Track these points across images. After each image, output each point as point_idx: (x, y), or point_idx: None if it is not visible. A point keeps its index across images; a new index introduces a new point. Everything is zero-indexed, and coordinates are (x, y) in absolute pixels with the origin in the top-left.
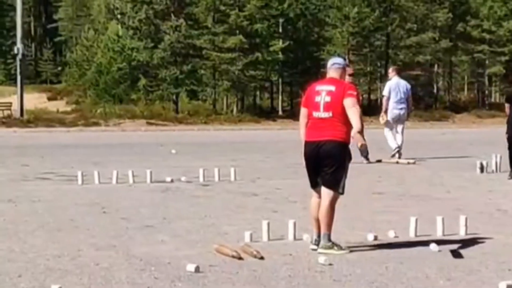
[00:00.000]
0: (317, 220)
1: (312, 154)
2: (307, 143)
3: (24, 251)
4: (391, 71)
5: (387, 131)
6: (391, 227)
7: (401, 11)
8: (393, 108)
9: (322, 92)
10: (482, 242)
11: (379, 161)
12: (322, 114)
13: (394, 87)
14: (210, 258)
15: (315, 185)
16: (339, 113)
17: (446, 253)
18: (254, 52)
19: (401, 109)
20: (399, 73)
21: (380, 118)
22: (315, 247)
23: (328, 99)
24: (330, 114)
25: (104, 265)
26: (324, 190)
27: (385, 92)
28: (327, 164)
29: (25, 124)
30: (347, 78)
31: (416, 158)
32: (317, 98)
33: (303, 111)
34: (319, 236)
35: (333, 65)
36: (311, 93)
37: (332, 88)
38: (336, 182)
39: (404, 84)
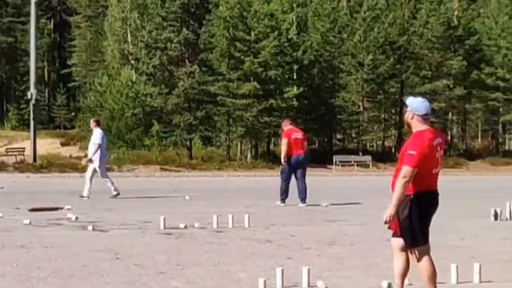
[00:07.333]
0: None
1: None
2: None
3: None
4: (92, 122)
5: (89, 175)
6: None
7: (415, 58)
8: (103, 155)
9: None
10: None
11: None
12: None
13: (103, 137)
14: None
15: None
16: None
17: None
18: (268, 99)
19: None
20: (99, 124)
21: (84, 161)
22: None
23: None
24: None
25: None
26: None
27: (99, 141)
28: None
29: (38, 169)
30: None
31: None
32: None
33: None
34: None
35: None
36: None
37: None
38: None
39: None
